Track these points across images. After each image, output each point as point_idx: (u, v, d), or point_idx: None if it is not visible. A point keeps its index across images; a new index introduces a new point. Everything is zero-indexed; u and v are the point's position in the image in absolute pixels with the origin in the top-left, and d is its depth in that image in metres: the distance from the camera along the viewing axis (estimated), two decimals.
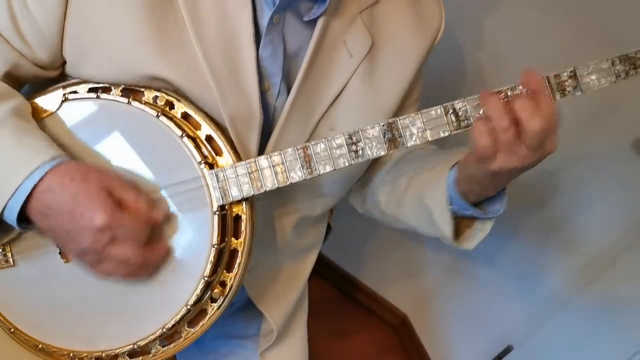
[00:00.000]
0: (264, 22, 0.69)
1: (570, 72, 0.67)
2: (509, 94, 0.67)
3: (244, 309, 0.94)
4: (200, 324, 0.72)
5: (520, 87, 0.66)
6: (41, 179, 0.60)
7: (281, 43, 0.72)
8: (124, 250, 0.62)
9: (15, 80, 0.70)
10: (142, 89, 0.70)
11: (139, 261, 0.63)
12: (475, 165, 0.68)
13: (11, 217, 0.62)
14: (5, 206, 0.61)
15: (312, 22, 0.72)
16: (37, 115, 0.69)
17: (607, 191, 1.19)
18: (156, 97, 0.69)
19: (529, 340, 1.41)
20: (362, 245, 1.77)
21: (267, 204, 0.80)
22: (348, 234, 1.64)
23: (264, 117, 0.73)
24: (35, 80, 0.72)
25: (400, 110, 0.82)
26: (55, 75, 0.72)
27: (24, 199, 0.60)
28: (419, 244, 1.65)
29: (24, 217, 0.63)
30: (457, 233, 0.79)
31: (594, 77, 0.67)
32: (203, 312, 0.72)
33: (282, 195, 0.80)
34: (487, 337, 1.53)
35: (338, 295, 1.86)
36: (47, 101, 0.69)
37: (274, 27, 0.70)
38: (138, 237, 0.63)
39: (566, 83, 0.66)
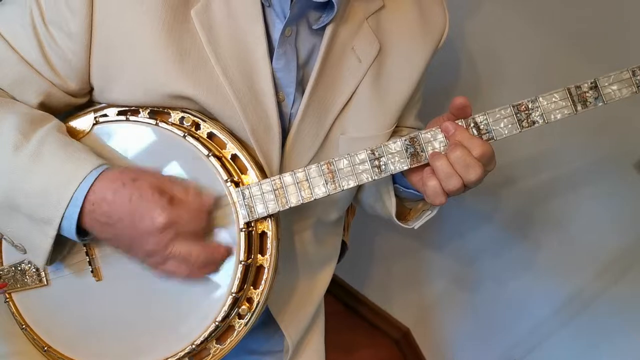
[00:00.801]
0: (275, 34, 0.71)
1: (591, 83, 0.67)
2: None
3: (265, 325, 0.94)
4: (228, 340, 0.73)
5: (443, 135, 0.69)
6: (92, 190, 0.62)
7: (294, 54, 0.73)
8: (186, 246, 0.64)
9: (49, 111, 0.72)
10: (169, 110, 0.72)
11: (201, 257, 0.65)
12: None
13: (69, 227, 0.63)
14: (63, 216, 0.62)
15: (321, 30, 0.74)
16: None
17: (611, 210, 1.20)
18: (182, 117, 0.71)
19: (533, 355, 1.41)
20: (366, 261, 1.78)
21: (286, 215, 0.81)
22: (353, 251, 1.65)
23: (282, 126, 0.75)
24: (67, 108, 0.74)
25: (405, 110, 0.84)
26: (84, 102, 0.75)
27: (79, 208, 0.62)
28: (423, 259, 1.65)
29: (79, 229, 0.64)
30: (410, 215, 0.84)
31: (615, 87, 0.67)
32: (231, 329, 0.72)
33: (298, 210, 0.81)
34: (490, 352, 1.53)
35: (343, 310, 1.87)
36: (78, 125, 0.71)
37: (287, 40, 0.72)
38: (199, 227, 0.65)
39: (587, 94, 0.67)
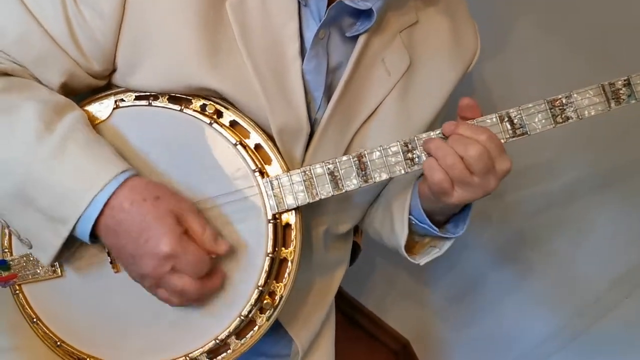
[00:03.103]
0: (309, 35, 0.69)
1: (625, 80, 0.67)
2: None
3: (275, 328, 0.92)
4: (249, 335, 0.70)
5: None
6: (115, 195, 0.59)
7: (325, 57, 0.72)
8: (182, 282, 0.61)
9: (70, 91, 0.69)
10: (189, 97, 0.69)
11: (194, 295, 0.62)
12: (434, 197, 0.70)
13: (84, 229, 0.60)
14: (80, 218, 0.59)
15: (353, 38, 0.72)
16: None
17: (616, 230, 1.20)
18: (204, 105, 0.69)
19: None
20: (367, 270, 1.75)
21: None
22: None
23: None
24: (87, 90, 0.71)
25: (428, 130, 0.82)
26: (104, 84, 0.72)
27: (98, 212, 0.59)
28: (424, 271, 1.63)
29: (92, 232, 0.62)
30: (415, 248, 0.83)
31: None
32: (252, 324, 0.70)
33: (313, 208, 0.79)
34: None
35: (341, 319, 1.82)
36: (98, 109, 0.68)
37: (320, 42, 0.70)
38: (199, 270, 0.61)
39: (620, 91, 0.67)
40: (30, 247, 0.63)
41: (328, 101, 0.74)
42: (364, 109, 0.76)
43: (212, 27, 0.66)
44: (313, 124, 0.75)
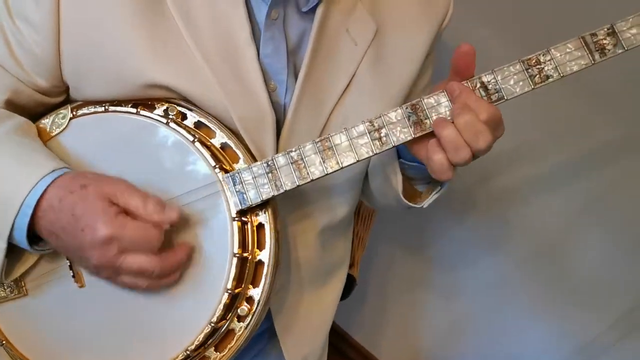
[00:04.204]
0: (260, 18, 0.67)
1: (608, 29, 0.60)
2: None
3: (259, 341, 0.87)
4: (228, 346, 0.65)
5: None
6: (44, 196, 0.57)
7: (283, 39, 0.69)
8: (137, 260, 0.57)
9: (19, 109, 0.68)
10: (153, 102, 0.67)
11: (157, 270, 0.58)
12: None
13: (21, 238, 0.59)
14: (12, 227, 0.58)
15: (311, 12, 0.69)
16: (45, 136, 0.66)
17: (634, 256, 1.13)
18: (167, 108, 0.67)
19: None
20: (358, 302, 1.66)
21: (285, 216, 0.74)
22: None
23: (276, 117, 0.69)
24: (40, 108, 0.70)
25: (410, 96, 0.77)
26: (59, 101, 0.71)
27: (29, 217, 0.57)
28: (419, 306, 1.55)
29: (35, 238, 0.60)
30: (416, 199, 0.77)
31: (634, 31, 0.60)
32: (230, 334, 0.65)
33: (298, 209, 0.76)
34: None
35: (329, 351, 1.74)
36: (54, 121, 0.67)
37: (274, 23, 0.67)
38: (149, 244, 0.57)
39: (604, 41, 0.60)
40: None
41: (295, 84, 0.71)
42: (336, 85, 0.72)
43: (153, 22, 0.64)
44: (284, 110, 0.72)
